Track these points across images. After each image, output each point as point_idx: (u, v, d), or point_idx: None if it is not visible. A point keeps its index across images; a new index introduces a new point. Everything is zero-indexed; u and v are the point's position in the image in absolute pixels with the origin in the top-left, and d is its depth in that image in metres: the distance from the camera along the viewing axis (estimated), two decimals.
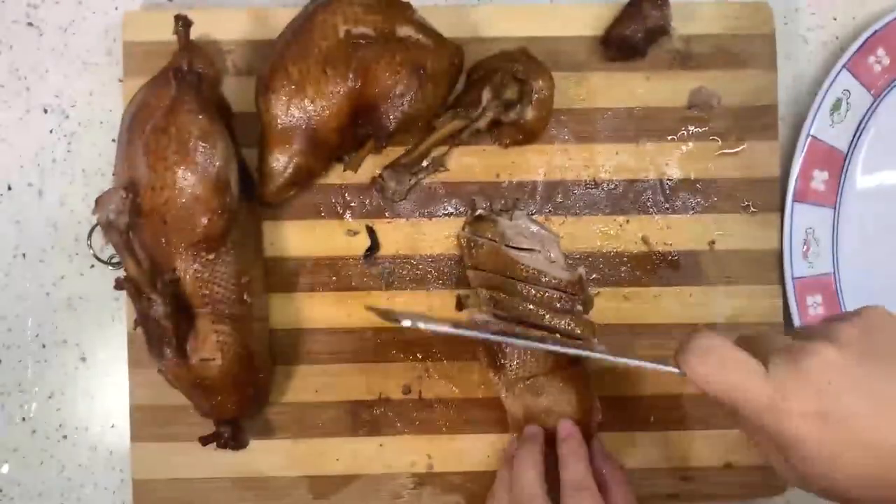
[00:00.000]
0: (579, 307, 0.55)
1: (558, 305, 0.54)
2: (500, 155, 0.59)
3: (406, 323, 0.43)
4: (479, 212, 0.57)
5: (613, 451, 0.58)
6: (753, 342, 0.41)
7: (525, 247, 0.55)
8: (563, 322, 0.54)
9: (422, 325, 0.43)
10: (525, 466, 0.50)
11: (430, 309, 0.58)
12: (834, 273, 0.59)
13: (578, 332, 0.54)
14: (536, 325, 0.54)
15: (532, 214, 0.58)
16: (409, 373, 0.58)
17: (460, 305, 0.57)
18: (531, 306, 0.54)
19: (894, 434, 0.37)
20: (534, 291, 0.54)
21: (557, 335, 0.53)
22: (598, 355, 0.47)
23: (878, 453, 0.37)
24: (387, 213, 0.58)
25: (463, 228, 0.57)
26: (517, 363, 0.54)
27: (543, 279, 0.54)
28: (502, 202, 0.58)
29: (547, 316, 0.54)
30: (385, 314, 0.45)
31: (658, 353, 0.58)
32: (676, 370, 0.42)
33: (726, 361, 0.40)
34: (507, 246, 0.55)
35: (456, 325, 0.47)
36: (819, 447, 0.38)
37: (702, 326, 0.41)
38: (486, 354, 0.55)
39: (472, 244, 0.56)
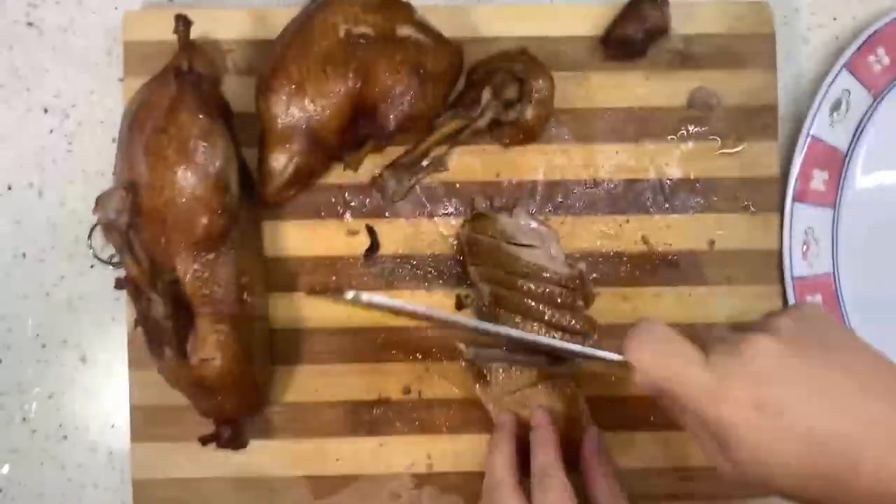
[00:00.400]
0: (580, 303, 0.55)
1: (559, 301, 0.54)
2: (500, 155, 0.59)
3: (349, 295, 0.43)
4: (478, 210, 0.57)
5: (614, 451, 0.58)
6: (695, 333, 0.42)
7: (525, 243, 0.56)
8: (564, 318, 0.54)
9: (364, 299, 0.43)
10: (494, 452, 0.50)
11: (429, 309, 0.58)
12: (834, 273, 0.59)
13: (579, 327, 0.54)
14: (538, 319, 0.54)
15: (532, 213, 0.58)
16: (409, 373, 0.58)
17: (460, 305, 0.57)
18: (532, 302, 0.54)
19: (824, 421, 0.38)
20: (534, 287, 0.54)
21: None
22: (548, 341, 0.48)
23: (809, 441, 0.38)
24: (387, 213, 0.58)
25: (462, 226, 0.58)
26: (503, 377, 0.54)
27: (544, 275, 0.54)
28: (503, 200, 0.58)
29: (548, 312, 0.54)
30: (329, 293, 0.45)
31: None
32: (620, 357, 0.43)
33: (667, 348, 0.41)
34: (507, 243, 0.55)
35: (403, 304, 0.47)
36: (755, 435, 0.38)
37: (646, 319, 0.43)
38: (470, 369, 0.55)
39: (473, 242, 0.56)
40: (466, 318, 0.49)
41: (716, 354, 0.40)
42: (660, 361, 0.41)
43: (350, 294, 0.43)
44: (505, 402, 0.54)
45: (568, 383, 0.55)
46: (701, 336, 0.42)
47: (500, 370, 0.54)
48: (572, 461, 0.52)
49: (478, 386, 0.55)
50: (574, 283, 0.55)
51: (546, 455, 0.49)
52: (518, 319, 0.54)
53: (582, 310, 0.55)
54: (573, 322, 0.54)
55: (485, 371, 0.55)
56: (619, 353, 0.44)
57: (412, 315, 0.49)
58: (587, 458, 0.52)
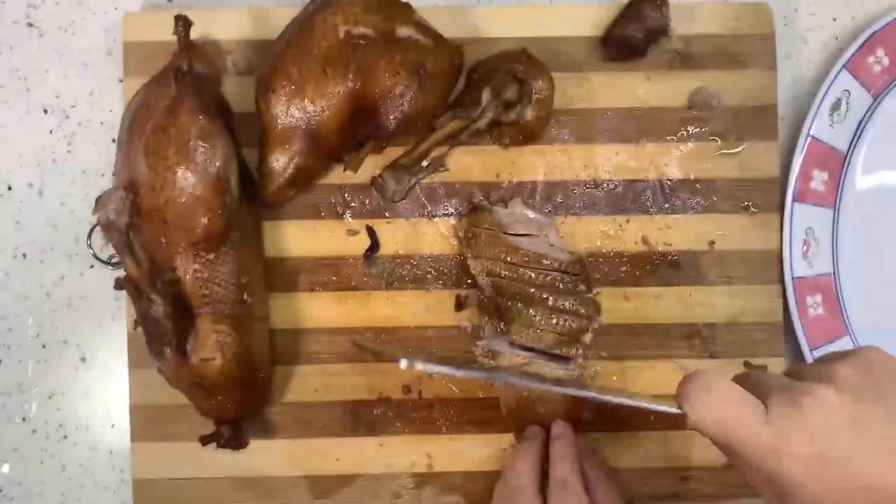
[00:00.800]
0: (582, 287, 0.55)
1: (561, 287, 0.54)
2: (500, 155, 0.59)
3: (403, 364, 0.41)
4: (475, 203, 0.57)
5: (614, 450, 0.58)
6: (751, 382, 0.41)
7: (523, 233, 0.56)
8: (567, 302, 0.54)
9: (419, 367, 0.41)
10: (519, 459, 0.51)
11: (428, 309, 0.58)
12: (834, 273, 0.59)
13: (583, 311, 0.54)
14: (541, 306, 0.54)
15: (528, 202, 0.58)
16: (409, 373, 0.58)
17: (459, 306, 0.57)
18: (533, 290, 0.54)
19: (887, 478, 0.37)
20: (535, 275, 0.54)
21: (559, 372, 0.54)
22: (598, 395, 0.45)
23: (877, 496, 0.37)
24: (387, 213, 0.58)
25: (459, 220, 0.58)
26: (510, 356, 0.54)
27: (544, 262, 0.54)
28: (500, 193, 0.58)
29: (551, 298, 0.54)
30: (377, 354, 0.45)
31: (659, 352, 0.58)
32: (677, 410, 0.42)
33: (727, 401, 0.39)
34: (505, 233, 0.55)
35: (458, 365, 0.46)
36: (819, 491, 0.37)
37: (702, 371, 0.42)
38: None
39: (471, 234, 0.56)
40: (518, 377, 0.48)
41: (775, 406, 0.39)
42: (719, 418, 0.40)
43: (403, 363, 0.42)
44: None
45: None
46: (759, 382, 0.40)
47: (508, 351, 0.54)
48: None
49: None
50: (575, 269, 0.55)
51: (564, 467, 0.50)
52: (520, 306, 0.54)
53: (584, 293, 0.55)
54: (576, 306, 0.54)
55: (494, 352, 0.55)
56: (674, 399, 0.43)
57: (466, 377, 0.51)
58: (582, 467, 0.52)
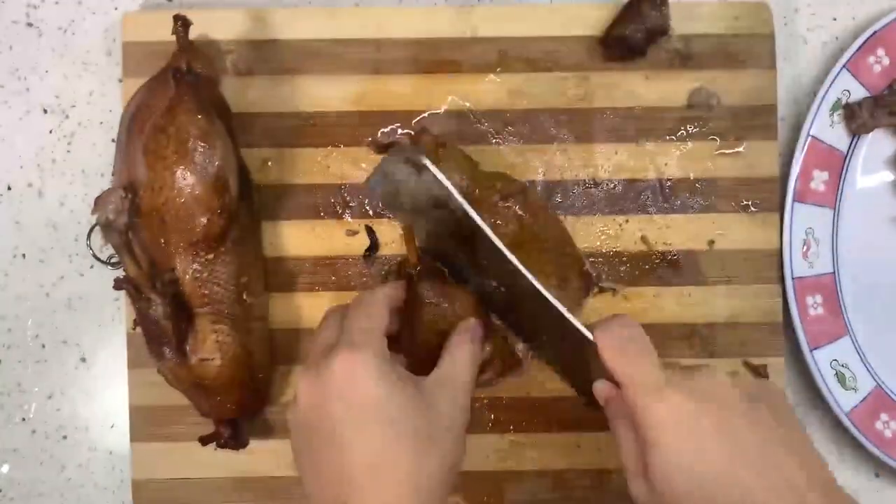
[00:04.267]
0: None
1: None
2: (500, 155, 0.59)
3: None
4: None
5: (614, 450, 0.58)
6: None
7: None
8: None
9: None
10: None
11: None
12: (834, 273, 0.59)
13: None
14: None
15: None
16: None
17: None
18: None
19: (737, 463, 0.40)
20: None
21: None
22: (538, 285, 0.48)
23: (723, 471, 0.40)
24: (387, 214, 0.58)
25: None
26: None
27: None
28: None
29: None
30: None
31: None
32: (590, 335, 0.46)
33: (636, 344, 0.44)
34: None
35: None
36: (679, 444, 0.40)
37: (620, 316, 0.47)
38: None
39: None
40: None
41: (674, 369, 0.43)
42: (625, 350, 0.44)
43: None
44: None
45: None
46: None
47: None
48: None
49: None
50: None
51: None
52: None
53: None
54: None
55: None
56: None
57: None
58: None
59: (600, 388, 0.47)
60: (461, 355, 0.48)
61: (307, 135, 0.58)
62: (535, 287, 0.48)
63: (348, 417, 0.42)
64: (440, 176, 0.48)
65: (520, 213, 0.54)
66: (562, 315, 0.48)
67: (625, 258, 0.59)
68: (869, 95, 0.58)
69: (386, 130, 0.58)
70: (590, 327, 0.46)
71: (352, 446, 0.41)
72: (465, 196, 0.49)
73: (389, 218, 0.58)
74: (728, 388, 0.42)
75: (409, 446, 0.42)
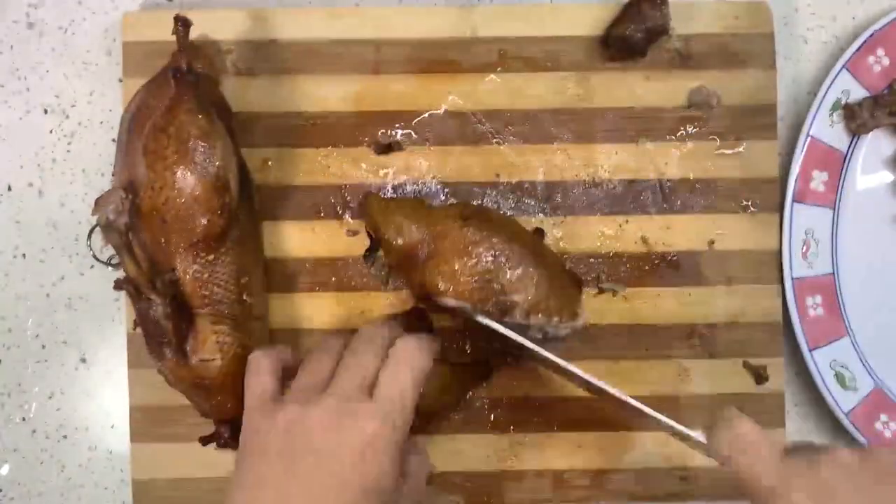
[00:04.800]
0: None
1: None
2: (500, 155, 0.59)
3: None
4: None
5: (614, 450, 0.58)
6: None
7: None
8: None
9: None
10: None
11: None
12: (834, 273, 0.59)
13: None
14: None
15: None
16: None
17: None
18: None
19: None
20: None
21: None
22: (627, 399, 0.47)
23: None
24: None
25: None
26: None
27: None
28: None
29: None
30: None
31: (659, 352, 0.58)
32: (702, 439, 0.44)
33: (751, 443, 0.42)
34: None
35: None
36: None
37: (732, 408, 0.44)
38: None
39: None
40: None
41: (793, 455, 0.41)
42: (741, 455, 0.42)
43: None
44: None
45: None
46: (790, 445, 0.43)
47: None
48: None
49: None
50: None
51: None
52: None
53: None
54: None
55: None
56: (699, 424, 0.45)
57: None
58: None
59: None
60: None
61: (307, 135, 0.58)
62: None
63: (319, 470, 0.42)
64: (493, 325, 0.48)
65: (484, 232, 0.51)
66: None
67: (625, 258, 0.59)
68: (869, 95, 0.58)
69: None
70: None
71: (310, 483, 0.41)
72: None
73: None
74: (856, 474, 0.39)
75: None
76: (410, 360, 0.45)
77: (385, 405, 0.43)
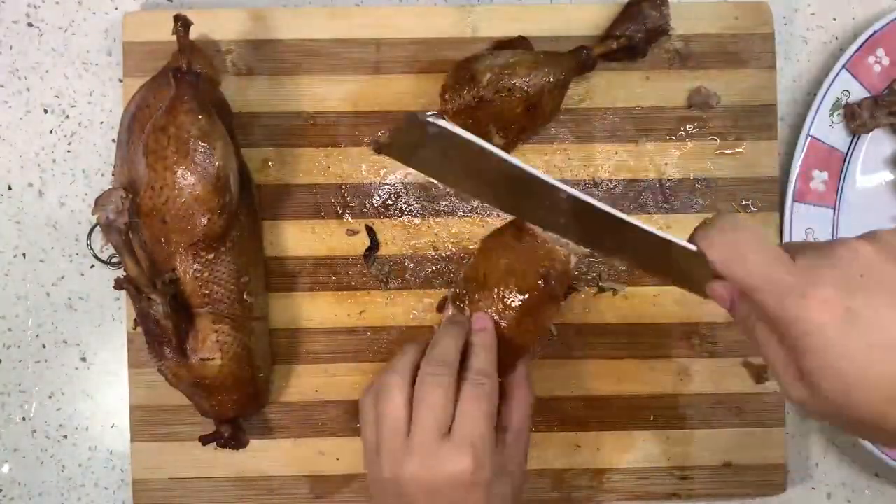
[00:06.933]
0: None
1: None
2: None
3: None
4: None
5: (614, 450, 0.58)
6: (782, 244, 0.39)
7: None
8: None
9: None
10: (406, 351, 0.48)
11: (428, 308, 0.58)
12: None
13: None
14: None
15: None
16: None
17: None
18: None
19: None
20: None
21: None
22: (618, 213, 0.42)
23: (882, 376, 0.34)
24: (387, 214, 0.58)
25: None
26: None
27: None
28: None
29: None
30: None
31: (659, 352, 0.58)
32: (692, 247, 0.39)
33: (752, 243, 0.37)
34: None
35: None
36: (842, 341, 0.35)
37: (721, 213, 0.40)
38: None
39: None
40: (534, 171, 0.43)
41: (804, 256, 0.37)
42: (742, 256, 0.37)
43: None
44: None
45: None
46: (787, 246, 0.39)
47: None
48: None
49: None
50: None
51: (487, 359, 0.47)
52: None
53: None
54: None
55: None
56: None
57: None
58: (512, 387, 0.50)
59: (721, 291, 0.40)
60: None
61: (307, 135, 0.58)
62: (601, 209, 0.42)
63: None
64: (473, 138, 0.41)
65: None
66: (645, 232, 0.41)
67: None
68: (869, 95, 0.58)
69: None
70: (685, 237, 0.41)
71: None
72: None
73: (389, 217, 0.58)
74: (874, 260, 0.35)
75: None
76: (478, 400, 0.45)
77: (464, 443, 0.44)
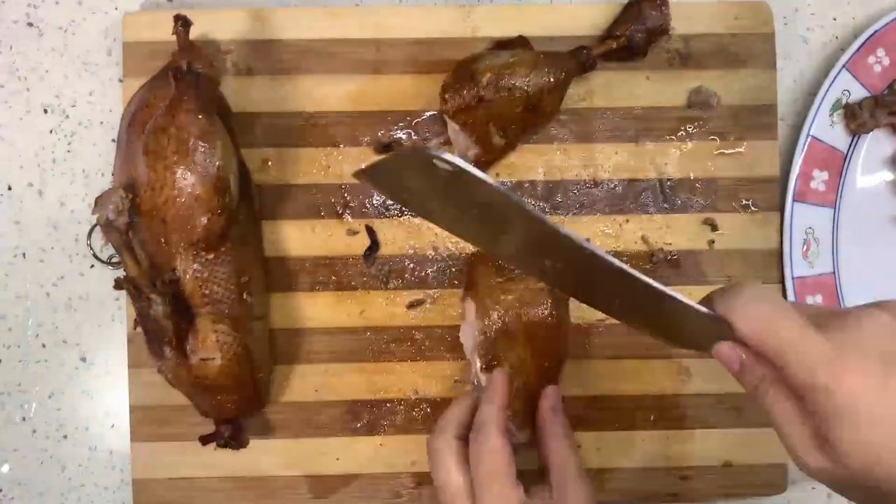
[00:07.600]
0: None
1: None
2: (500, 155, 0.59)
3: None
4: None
5: (614, 450, 0.58)
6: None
7: None
8: None
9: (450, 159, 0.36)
10: (458, 403, 0.50)
11: (428, 309, 0.58)
12: (834, 273, 0.59)
13: None
14: None
15: None
16: (410, 372, 0.58)
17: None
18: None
19: None
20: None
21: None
22: (631, 270, 0.40)
23: None
24: (387, 214, 0.58)
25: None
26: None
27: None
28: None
29: None
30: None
31: (659, 352, 0.58)
32: (706, 310, 0.39)
33: (781, 313, 0.38)
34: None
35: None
36: (878, 409, 0.35)
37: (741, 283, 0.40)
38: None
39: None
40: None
41: (831, 322, 0.37)
42: (774, 327, 0.37)
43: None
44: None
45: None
46: (800, 308, 0.39)
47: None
48: (531, 415, 0.51)
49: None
50: None
51: (489, 410, 0.48)
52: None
53: None
54: None
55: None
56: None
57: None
58: (543, 418, 0.51)
59: (730, 353, 0.40)
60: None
61: (307, 135, 0.58)
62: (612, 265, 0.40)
63: None
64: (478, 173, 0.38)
65: None
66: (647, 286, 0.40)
67: (625, 258, 0.59)
68: (869, 95, 0.58)
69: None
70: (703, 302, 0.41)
71: None
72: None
73: (389, 217, 0.58)
74: (892, 329, 0.36)
75: None
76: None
77: None
